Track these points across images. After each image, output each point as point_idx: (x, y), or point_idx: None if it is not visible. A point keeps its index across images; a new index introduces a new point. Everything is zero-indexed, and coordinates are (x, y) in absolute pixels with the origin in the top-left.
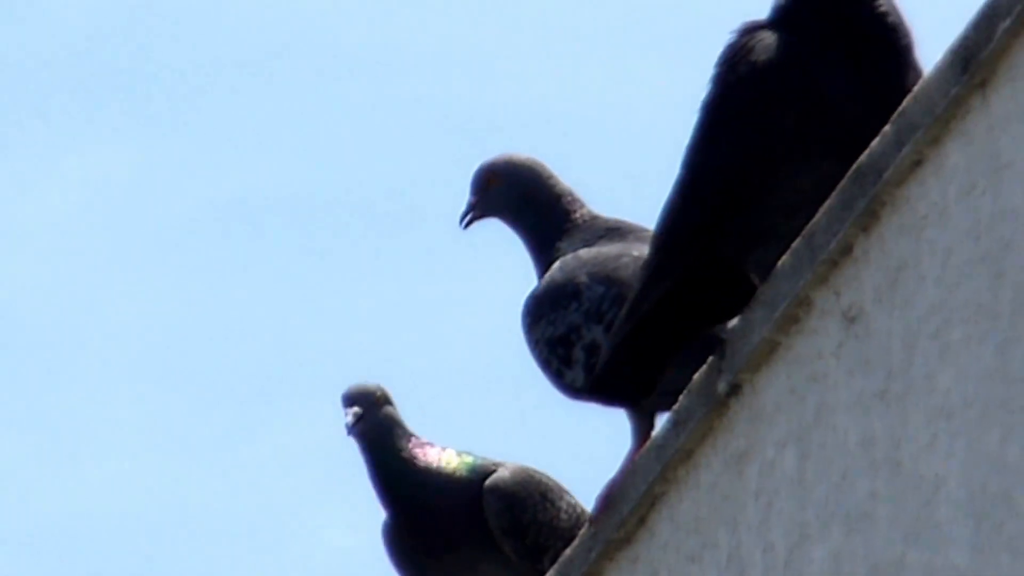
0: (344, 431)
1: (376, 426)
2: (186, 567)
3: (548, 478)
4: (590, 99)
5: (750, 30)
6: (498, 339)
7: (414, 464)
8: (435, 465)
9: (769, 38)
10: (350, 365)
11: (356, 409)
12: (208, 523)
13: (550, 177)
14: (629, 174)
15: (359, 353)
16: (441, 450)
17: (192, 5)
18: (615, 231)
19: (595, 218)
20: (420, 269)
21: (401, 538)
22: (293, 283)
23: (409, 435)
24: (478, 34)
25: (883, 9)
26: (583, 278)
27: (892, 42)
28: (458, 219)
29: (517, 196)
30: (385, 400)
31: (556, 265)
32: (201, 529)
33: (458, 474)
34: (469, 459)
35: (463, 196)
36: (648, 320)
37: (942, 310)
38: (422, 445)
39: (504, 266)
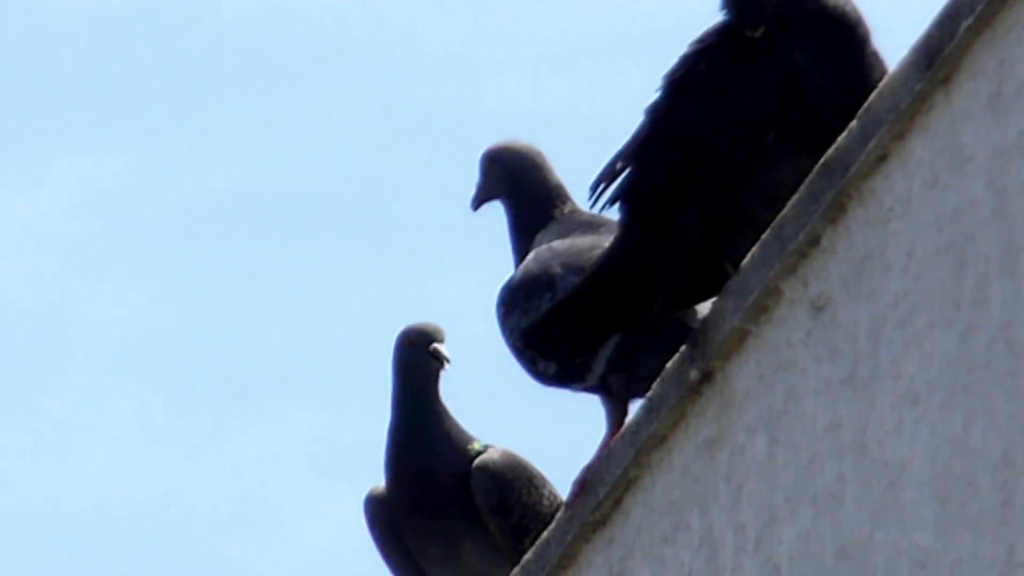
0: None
1: (430, 368)
2: (172, 562)
3: (532, 465)
4: (585, 104)
5: (726, 27)
6: (474, 329)
7: (441, 423)
8: (455, 433)
9: (749, 33)
10: (338, 361)
11: (440, 347)
12: (193, 518)
13: (543, 168)
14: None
15: (346, 349)
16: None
17: (181, 8)
18: (588, 225)
19: (575, 212)
20: (400, 268)
21: (388, 505)
22: (284, 282)
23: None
24: (474, 37)
25: (844, 7)
26: (557, 269)
27: (860, 39)
28: (470, 202)
29: (510, 181)
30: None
31: (531, 256)
32: (187, 524)
33: (471, 451)
34: (478, 444)
35: (444, 198)
36: (600, 286)
37: (907, 299)
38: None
39: (479, 263)
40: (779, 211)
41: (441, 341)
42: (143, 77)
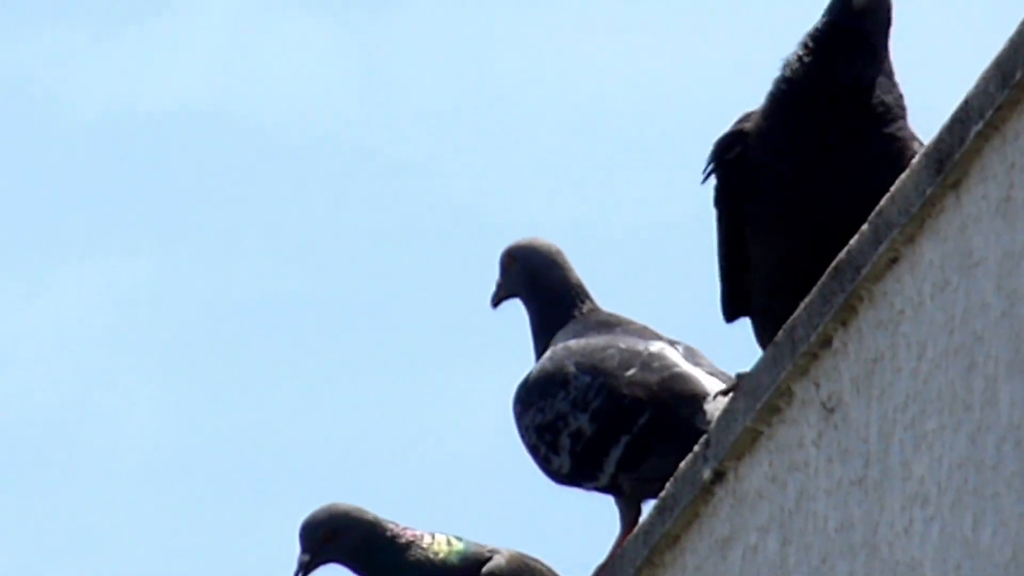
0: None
1: (343, 547)
2: None
3: (542, 564)
4: (591, 212)
5: (730, 136)
6: (491, 428)
7: (403, 556)
8: (424, 555)
9: (747, 127)
10: (361, 459)
11: (304, 557)
12: None
13: (564, 267)
14: (630, 284)
15: (360, 446)
16: (431, 537)
17: (206, 114)
18: (605, 324)
19: (593, 311)
20: (415, 364)
21: None
22: (306, 383)
23: (389, 530)
24: (480, 141)
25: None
26: (571, 368)
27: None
28: (490, 300)
29: (529, 279)
30: (343, 523)
31: (547, 354)
32: None
33: (449, 562)
34: (460, 545)
35: (453, 296)
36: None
37: (917, 401)
38: (407, 534)
39: (497, 361)
40: (782, 300)
41: (300, 547)
42: (167, 180)
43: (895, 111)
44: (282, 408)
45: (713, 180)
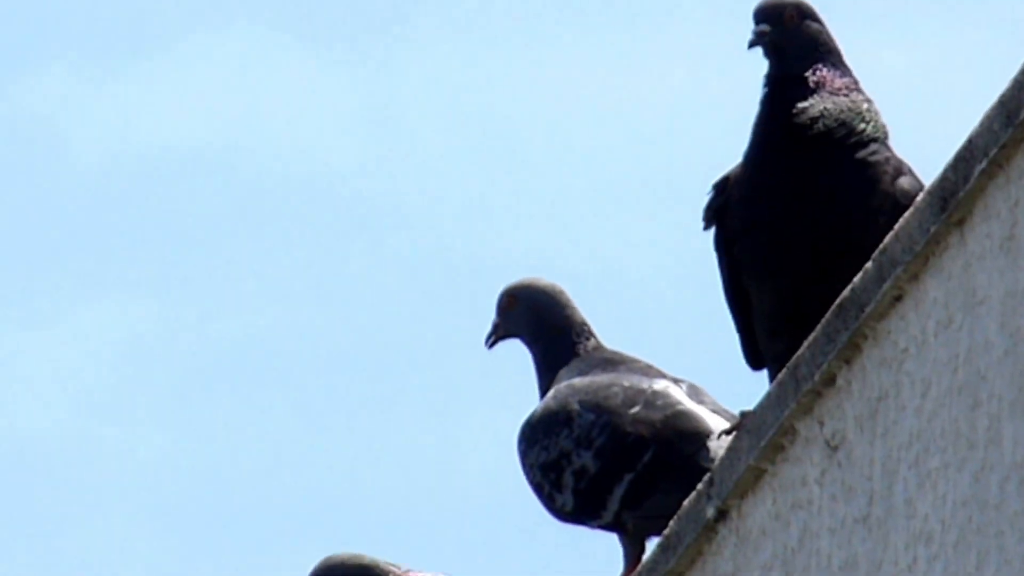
0: None
1: None
2: None
3: None
4: (587, 253)
5: (719, 183)
6: (494, 468)
7: None
8: None
9: (733, 177)
10: (362, 505)
11: None
12: None
13: (567, 306)
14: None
15: (363, 487)
16: None
17: (205, 160)
18: (609, 362)
19: (597, 349)
20: (419, 407)
21: None
22: (304, 427)
23: (392, 573)
24: (480, 186)
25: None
26: (575, 406)
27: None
28: (484, 339)
29: (532, 319)
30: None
31: (551, 393)
32: None
33: None
34: None
35: (456, 339)
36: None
37: (921, 439)
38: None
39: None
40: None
41: None
42: (167, 224)
43: (865, 136)
44: (286, 450)
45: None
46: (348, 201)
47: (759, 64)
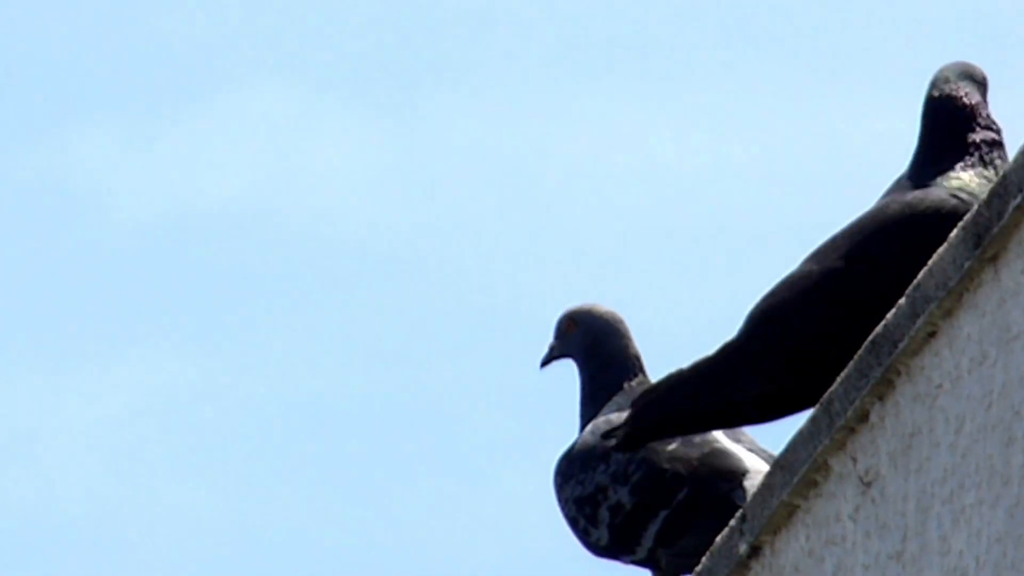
0: None
1: None
2: None
3: None
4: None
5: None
6: (531, 519)
7: None
8: None
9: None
10: (394, 558)
11: None
12: None
13: (624, 336)
14: None
15: (402, 544)
16: None
17: (239, 216)
18: None
19: (642, 384)
20: (457, 463)
21: None
22: (347, 485)
23: None
24: (522, 239)
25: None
26: (611, 442)
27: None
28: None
29: (589, 344)
30: None
31: (588, 427)
32: None
33: None
34: None
35: (490, 395)
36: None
37: (955, 475)
38: None
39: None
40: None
41: None
42: (204, 282)
43: None
44: (323, 510)
45: None
46: (389, 257)
47: (780, 124)
